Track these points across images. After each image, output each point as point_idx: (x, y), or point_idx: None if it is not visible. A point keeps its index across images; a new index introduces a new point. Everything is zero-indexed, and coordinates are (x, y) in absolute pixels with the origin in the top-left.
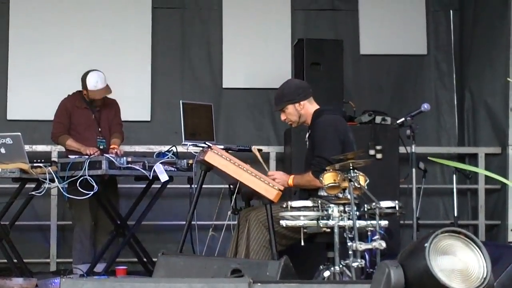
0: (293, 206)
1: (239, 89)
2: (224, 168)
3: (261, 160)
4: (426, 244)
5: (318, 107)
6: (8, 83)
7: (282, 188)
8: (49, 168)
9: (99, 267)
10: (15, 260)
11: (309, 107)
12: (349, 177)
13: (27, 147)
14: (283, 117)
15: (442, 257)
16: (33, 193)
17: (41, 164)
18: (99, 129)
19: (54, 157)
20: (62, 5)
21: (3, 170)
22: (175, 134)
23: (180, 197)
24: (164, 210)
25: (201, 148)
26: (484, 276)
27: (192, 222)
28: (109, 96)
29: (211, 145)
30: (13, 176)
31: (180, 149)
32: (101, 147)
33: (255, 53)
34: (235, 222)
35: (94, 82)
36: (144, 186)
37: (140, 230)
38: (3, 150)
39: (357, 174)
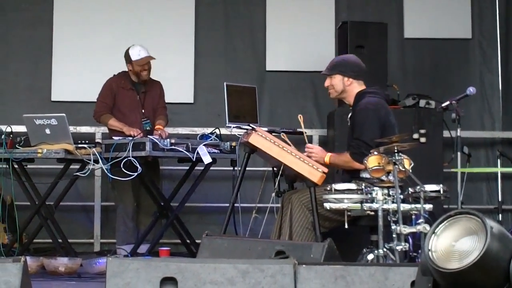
0: (337, 188)
1: (282, 72)
2: (268, 150)
3: (303, 128)
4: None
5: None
6: (52, 65)
7: (326, 170)
8: (93, 149)
9: (143, 248)
10: (60, 240)
11: (355, 87)
12: (394, 160)
13: (71, 128)
14: (327, 83)
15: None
16: (77, 174)
17: (85, 145)
18: (142, 111)
19: (98, 138)
20: None
21: (48, 151)
22: (218, 117)
23: (223, 179)
24: (207, 192)
25: (245, 130)
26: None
27: (236, 205)
28: (154, 76)
29: (255, 127)
30: (58, 157)
31: (223, 131)
32: (147, 128)
33: (299, 35)
34: (279, 205)
35: (137, 51)
36: (186, 168)
37: (183, 211)
38: (48, 131)
39: (402, 157)
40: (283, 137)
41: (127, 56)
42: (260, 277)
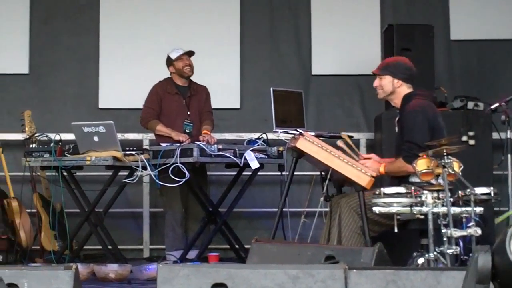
0: (386, 192)
1: (328, 76)
2: (315, 155)
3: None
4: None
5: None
6: (99, 72)
7: (374, 174)
8: (142, 156)
9: (192, 254)
10: (109, 247)
11: (404, 89)
12: (443, 163)
13: (119, 135)
14: (376, 83)
15: None
16: (126, 180)
17: (133, 152)
18: (188, 112)
19: (146, 145)
20: None
21: (96, 158)
22: (265, 122)
23: (271, 184)
24: (255, 197)
25: (292, 135)
26: None
27: (284, 209)
28: (199, 82)
29: (302, 131)
30: (106, 164)
31: (270, 136)
32: (187, 130)
33: (344, 39)
34: (327, 209)
35: (175, 51)
36: (234, 173)
37: (231, 217)
38: (96, 139)
39: (451, 160)
40: (344, 137)
41: (168, 60)
42: (311, 282)
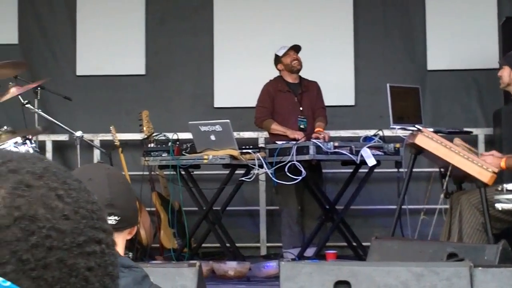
0: (509, 189)
1: (444, 71)
2: (434, 151)
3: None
4: None
5: None
6: (214, 72)
7: (496, 170)
8: (258, 154)
9: (309, 252)
10: (227, 245)
11: None
12: None
13: (234, 134)
14: (499, 73)
15: None
16: (242, 179)
17: (250, 150)
18: (301, 108)
19: (261, 143)
20: None
21: (213, 157)
22: (380, 118)
23: (387, 181)
24: (371, 195)
25: (410, 131)
26: None
27: (402, 206)
28: (310, 78)
29: (420, 128)
30: (223, 163)
31: (386, 132)
32: (301, 126)
33: (460, 33)
34: (447, 206)
35: (282, 48)
36: (349, 170)
37: (348, 214)
38: (213, 137)
39: None
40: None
41: (275, 58)
42: (436, 280)
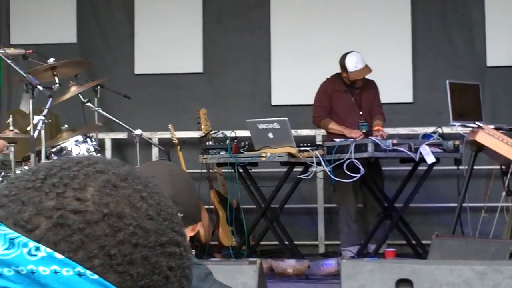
0: None
1: (504, 67)
2: (496, 148)
3: None
4: None
5: None
6: (271, 70)
7: None
8: (316, 151)
9: (369, 248)
10: (286, 242)
11: None
12: None
13: (292, 132)
14: None
15: None
16: (300, 176)
17: (308, 148)
18: (360, 112)
19: (319, 141)
20: None
21: (271, 154)
22: (439, 115)
23: (446, 178)
24: (430, 192)
25: (470, 128)
26: None
27: (463, 204)
28: (368, 76)
29: (481, 124)
30: (281, 160)
31: (445, 129)
32: (363, 130)
33: None
34: (509, 204)
35: (354, 63)
36: (408, 168)
37: (407, 212)
38: (271, 135)
39: None
40: None
41: (342, 63)
42: (499, 279)
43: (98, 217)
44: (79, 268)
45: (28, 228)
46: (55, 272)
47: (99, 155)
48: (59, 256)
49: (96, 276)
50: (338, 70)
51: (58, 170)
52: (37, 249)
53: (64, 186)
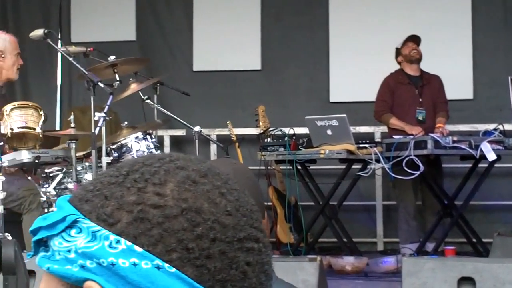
0: None
1: None
2: None
3: None
4: None
5: None
6: (329, 66)
7: None
8: (375, 148)
9: (428, 247)
10: (344, 240)
11: None
12: None
13: (350, 128)
14: None
15: None
16: (359, 173)
17: (366, 145)
18: (420, 100)
19: (378, 138)
20: None
21: (330, 151)
22: (500, 112)
23: (508, 176)
24: (491, 190)
25: None
26: None
27: None
28: (432, 72)
29: None
30: (340, 157)
31: (507, 126)
32: (419, 118)
33: None
34: None
35: (403, 41)
36: (468, 165)
37: (467, 210)
38: (329, 132)
39: None
40: None
41: (396, 51)
42: None
43: (177, 211)
44: (158, 261)
45: (110, 222)
46: (134, 264)
47: (158, 152)
48: (138, 249)
49: (174, 269)
50: (397, 67)
51: (140, 166)
52: (118, 242)
53: (145, 181)
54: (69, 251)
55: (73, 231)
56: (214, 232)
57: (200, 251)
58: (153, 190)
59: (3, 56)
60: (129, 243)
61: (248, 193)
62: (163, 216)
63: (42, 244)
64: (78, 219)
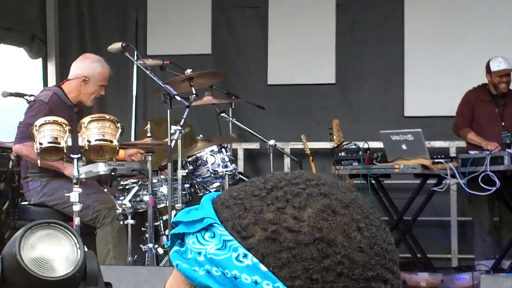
0: None
1: None
2: None
3: None
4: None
5: None
6: (404, 81)
7: None
8: (450, 164)
9: (504, 264)
10: (418, 255)
11: None
12: None
13: (425, 143)
14: None
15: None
16: (434, 188)
17: (442, 160)
18: (502, 124)
19: (453, 153)
20: (454, 3)
21: (405, 166)
22: None
23: None
24: None
25: None
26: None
27: None
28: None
29: None
30: (415, 172)
31: None
32: (507, 141)
33: None
34: None
35: (497, 63)
36: None
37: None
38: (404, 147)
39: None
40: None
41: (487, 66)
42: None
43: (309, 239)
44: (279, 284)
45: (243, 235)
46: (256, 282)
47: (233, 165)
48: (263, 268)
49: None
50: (474, 84)
51: (286, 183)
52: (245, 256)
53: (285, 201)
54: (199, 253)
55: (207, 235)
56: (342, 267)
57: (324, 283)
58: (291, 212)
59: (86, 81)
60: (255, 260)
61: None
62: (295, 241)
63: (180, 238)
64: (214, 224)
